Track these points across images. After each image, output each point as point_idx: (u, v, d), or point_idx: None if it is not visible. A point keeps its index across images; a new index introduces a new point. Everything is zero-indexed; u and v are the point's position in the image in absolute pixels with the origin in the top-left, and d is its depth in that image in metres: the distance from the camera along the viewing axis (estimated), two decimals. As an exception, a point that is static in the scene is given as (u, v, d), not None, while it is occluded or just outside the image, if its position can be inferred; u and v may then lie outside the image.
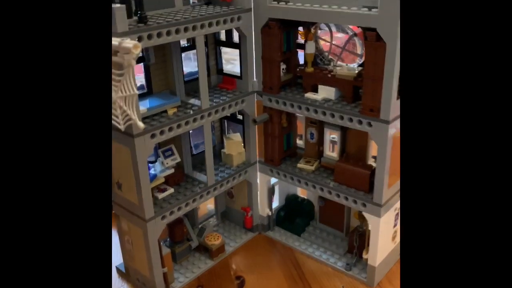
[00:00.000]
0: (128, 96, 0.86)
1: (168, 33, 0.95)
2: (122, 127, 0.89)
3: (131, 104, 0.86)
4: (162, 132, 1.02)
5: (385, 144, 1.01)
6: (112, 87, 0.88)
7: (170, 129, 1.04)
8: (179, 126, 1.05)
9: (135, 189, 1.03)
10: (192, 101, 1.14)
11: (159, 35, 0.94)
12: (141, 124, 0.86)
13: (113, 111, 0.90)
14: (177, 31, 0.97)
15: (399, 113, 1.01)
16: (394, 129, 1.02)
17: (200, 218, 1.46)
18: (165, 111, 1.06)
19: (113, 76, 0.87)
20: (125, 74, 0.85)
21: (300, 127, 1.35)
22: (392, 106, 0.98)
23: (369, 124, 1.03)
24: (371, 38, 0.94)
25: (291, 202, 1.44)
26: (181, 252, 1.27)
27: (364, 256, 1.20)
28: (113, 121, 0.91)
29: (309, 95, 1.14)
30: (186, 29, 0.99)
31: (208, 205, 1.50)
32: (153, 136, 1.00)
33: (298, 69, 1.20)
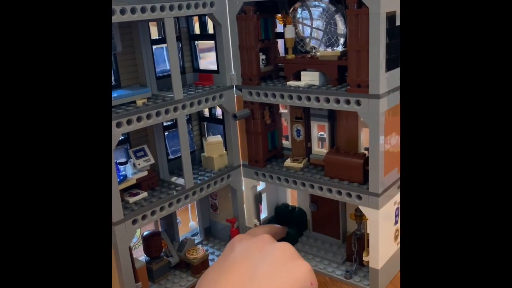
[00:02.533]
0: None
1: (133, 11, 0.88)
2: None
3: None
4: (129, 122, 0.92)
5: (376, 123, 0.92)
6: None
7: (139, 119, 0.93)
8: (149, 116, 0.95)
9: (101, 188, 0.91)
10: (165, 94, 1.05)
11: (122, 12, 0.86)
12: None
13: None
14: (143, 10, 0.90)
15: (390, 87, 0.93)
16: (386, 105, 0.92)
17: (182, 236, 1.33)
18: (134, 102, 0.97)
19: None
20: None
21: (286, 128, 1.25)
22: (382, 78, 0.90)
23: (358, 103, 0.94)
24: (352, 3, 0.88)
25: (281, 212, 1.32)
26: (159, 269, 1.12)
27: (365, 258, 1.06)
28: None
29: (292, 83, 1.06)
30: (153, 9, 0.92)
31: (190, 223, 1.37)
32: (119, 125, 0.90)
33: (277, 58, 1.13)
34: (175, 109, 1.01)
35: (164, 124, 1.14)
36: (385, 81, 0.91)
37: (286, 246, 0.88)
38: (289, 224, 1.27)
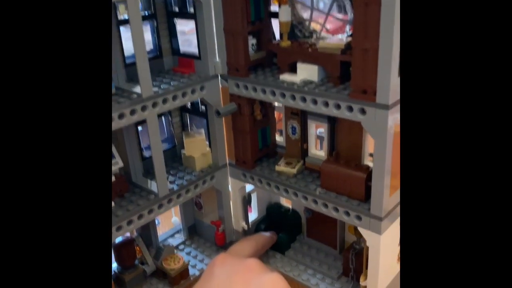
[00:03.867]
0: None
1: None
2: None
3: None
4: (84, 129, 0.76)
5: (384, 137, 0.75)
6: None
7: (97, 125, 0.78)
8: (110, 120, 0.79)
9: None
10: (134, 88, 0.88)
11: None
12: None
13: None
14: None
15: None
16: (396, 116, 0.75)
17: (164, 234, 1.21)
18: (93, 101, 0.80)
19: None
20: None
21: (280, 120, 1.09)
22: (393, 85, 0.72)
23: (362, 111, 0.77)
24: (360, -11, 0.68)
25: (273, 212, 1.18)
26: (133, 279, 1.01)
27: (362, 283, 0.93)
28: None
29: (286, 76, 0.88)
30: (110, -12, 0.73)
31: (173, 218, 1.25)
32: (70, 134, 0.74)
33: (270, 44, 0.94)
34: (143, 108, 0.84)
35: (137, 117, 0.98)
36: (397, 88, 0.73)
37: (275, 281, 0.75)
38: (282, 228, 1.14)
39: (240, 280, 0.75)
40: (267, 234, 1.09)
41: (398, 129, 0.77)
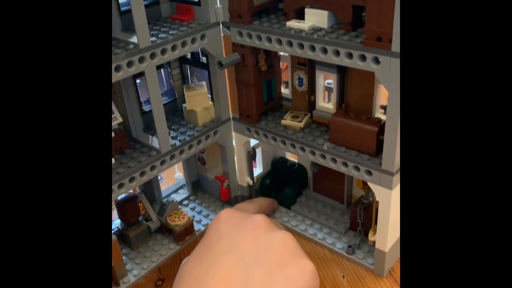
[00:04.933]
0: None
1: None
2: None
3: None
4: (78, 83, 0.71)
5: (398, 89, 0.70)
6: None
7: (92, 78, 0.73)
8: (105, 73, 0.74)
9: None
10: (130, 38, 0.82)
11: None
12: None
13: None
14: None
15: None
16: (413, 66, 0.70)
17: (167, 189, 1.19)
18: (86, 53, 0.75)
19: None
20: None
21: (286, 71, 1.03)
22: (411, 31, 0.66)
23: (376, 61, 0.71)
24: None
25: (278, 167, 1.15)
26: (137, 236, 1.00)
27: (371, 238, 0.92)
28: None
29: (293, 23, 0.82)
30: None
31: (176, 174, 1.22)
32: (63, 88, 0.69)
33: (276, -13, 0.87)
34: (141, 60, 0.79)
35: (135, 70, 0.93)
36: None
37: (285, 239, 0.73)
38: (287, 182, 1.12)
39: (248, 237, 0.74)
40: (268, 199, 1.06)
41: (414, 80, 0.71)
